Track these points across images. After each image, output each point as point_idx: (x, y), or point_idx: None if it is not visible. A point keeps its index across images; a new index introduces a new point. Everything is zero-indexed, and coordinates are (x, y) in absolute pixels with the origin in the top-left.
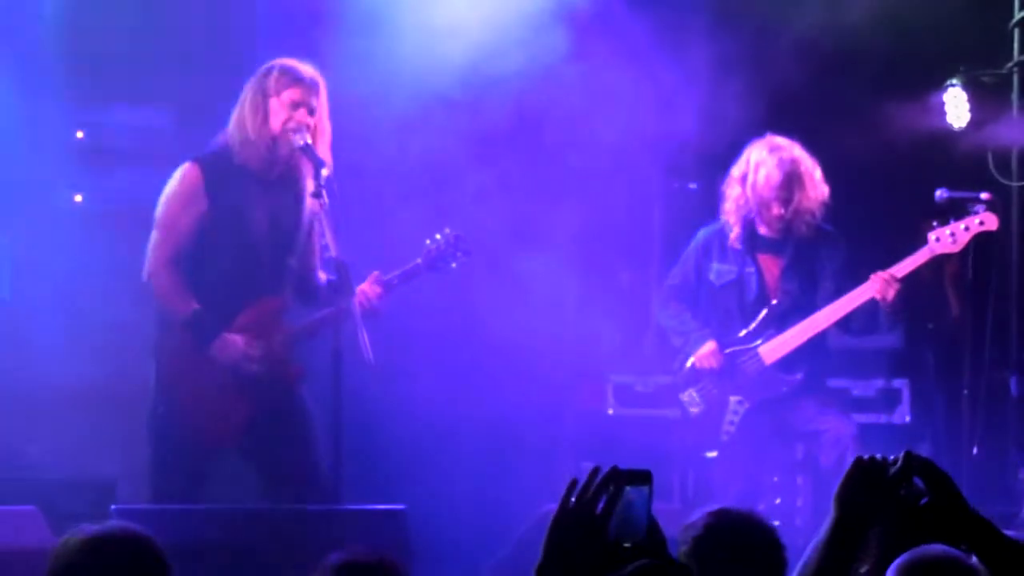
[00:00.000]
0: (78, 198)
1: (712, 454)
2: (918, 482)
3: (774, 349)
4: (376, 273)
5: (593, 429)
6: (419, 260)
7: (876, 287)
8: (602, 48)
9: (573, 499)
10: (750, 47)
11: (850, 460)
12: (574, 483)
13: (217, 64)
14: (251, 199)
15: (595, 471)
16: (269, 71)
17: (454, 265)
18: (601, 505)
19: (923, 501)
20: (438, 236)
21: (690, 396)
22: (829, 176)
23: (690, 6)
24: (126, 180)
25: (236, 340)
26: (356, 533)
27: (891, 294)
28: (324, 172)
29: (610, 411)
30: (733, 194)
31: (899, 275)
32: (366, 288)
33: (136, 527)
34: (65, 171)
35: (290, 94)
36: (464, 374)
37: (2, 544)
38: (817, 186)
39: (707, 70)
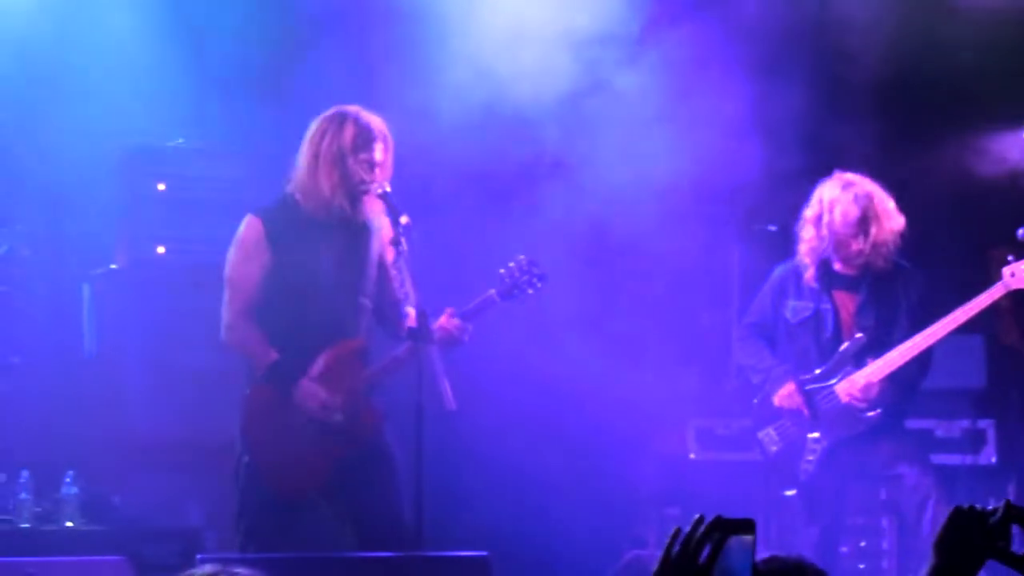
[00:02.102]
0: (161, 250)
1: (791, 492)
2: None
3: (851, 386)
4: (450, 309)
5: (674, 474)
6: (493, 291)
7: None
8: (679, 86)
9: (676, 547)
10: (822, 82)
11: (932, 506)
12: (678, 531)
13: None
14: (315, 244)
15: (699, 520)
16: (343, 125)
17: (530, 292)
18: (705, 554)
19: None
20: (511, 264)
21: (768, 435)
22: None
23: (769, 46)
24: (207, 231)
25: (315, 389)
26: None
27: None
28: (403, 220)
29: (692, 455)
30: (807, 235)
31: (973, 312)
32: (444, 323)
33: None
34: (147, 223)
35: (367, 155)
36: (544, 420)
37: None
38: (892, 217)
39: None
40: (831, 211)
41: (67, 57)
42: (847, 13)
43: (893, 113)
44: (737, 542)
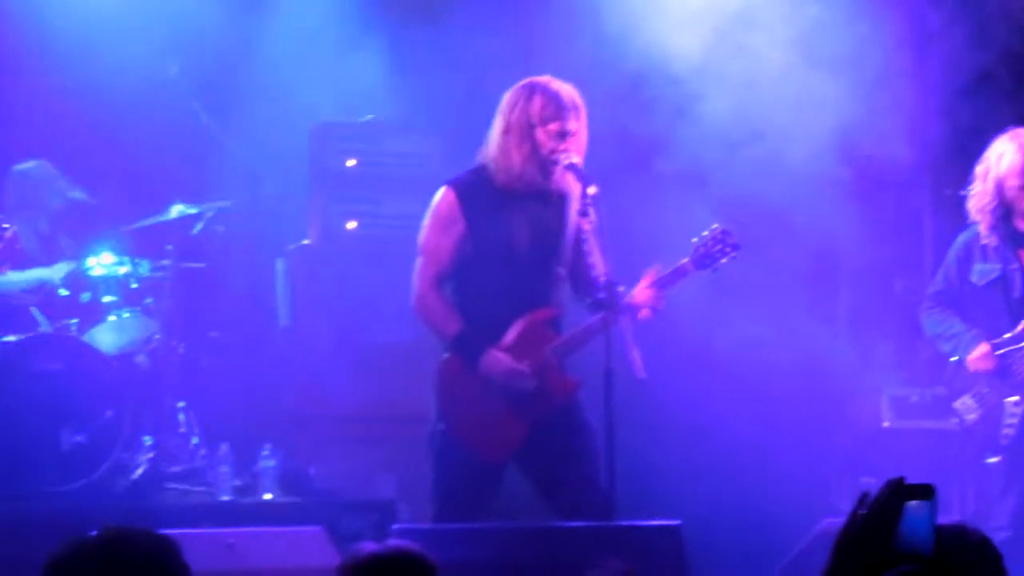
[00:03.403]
0: (351, 225)
1: (994, 460)
2: None
3: None
4: (652, 272)
5: (868, 443)
6: (687, 260)
7: None
8: (871, 53)
9: (862, 510)
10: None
11: None
12: (865, 495)
13: (478, 88)
14: (510, 215)
15: (887, 484)
16: (532, 95)
17: (724, 261)
18: (886, 518)
19: None
20: (705, 233)
21: (964, 403)
22: None
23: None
24: (397, 206)
25: (502, 357)
26: (632, 549)
27: None
28: (591, 191)
29: (885, 424)
30: (975, 191)
31: None
32: (641, 292)
33: (414, 546)
34: (338, 199)
35: (557, 125)
36: (736, 389)
37: (289, 563)
38: None
39: (975, 76)
40: (998, 163)
41: (259, 40)
42: None
43: None
44: (918, 507)
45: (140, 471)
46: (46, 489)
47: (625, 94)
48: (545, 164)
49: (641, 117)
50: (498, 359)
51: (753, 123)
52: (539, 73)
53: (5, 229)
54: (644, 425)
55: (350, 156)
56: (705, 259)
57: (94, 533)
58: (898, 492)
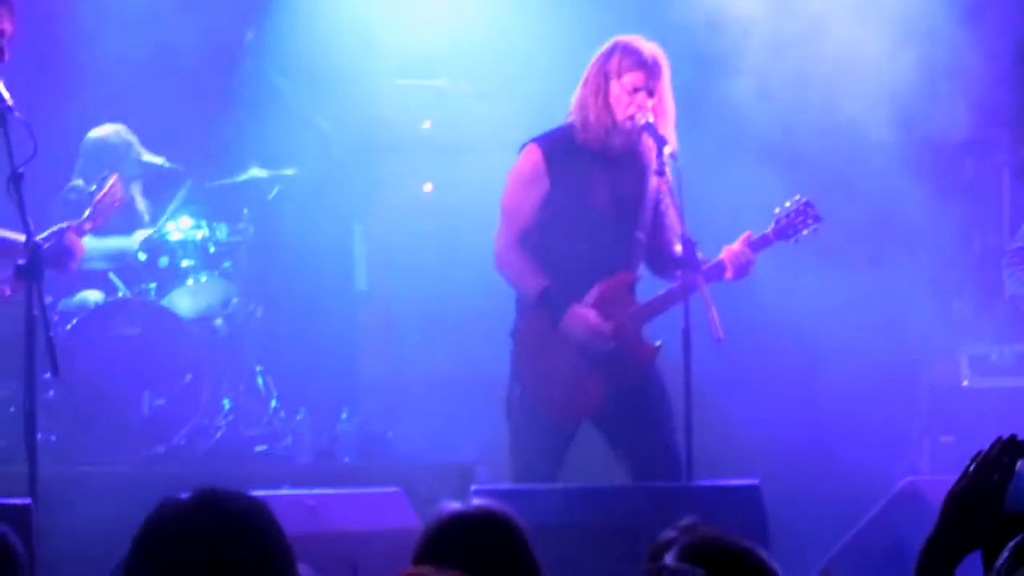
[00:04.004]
0: (428, 187)
1: None
2: None
3: None
4: (748, 233)
5: (948, 402)
6: (769, 230)
7: None
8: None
9: (972, 468)
10: None
11: None
12: (978, 454)
13: (556, 49)
14: (593, 177)
15: (997, 441)
16: (612, 51)
17: (805, 233)
18: (998, 477)
19: None
20: (787, 203)
21: None
22: None
23: None
24: (473, 169)
25: (586, 314)
26: (711, 509)
27: None
28: (667, 150)
29: (965, 383)
30: None
31: None
32: (735, 249)
33: (497, 505)
34: (415, 162)
35: (632, 78)
36: (814, 349)
37: (369, 525)
38: None
39: None
40: None
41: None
42: None
43: None
44: None
45: (219, 435)
46: (127, 453)
47: (689, 55)
48: (618, 119)
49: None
50: (582, 316)
51: (823, 85)
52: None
53: (106, 177)
54: (722, 386)
55: (426, 119)
56: (787, 230)
57: (187, 495)
58: (1011, 449)
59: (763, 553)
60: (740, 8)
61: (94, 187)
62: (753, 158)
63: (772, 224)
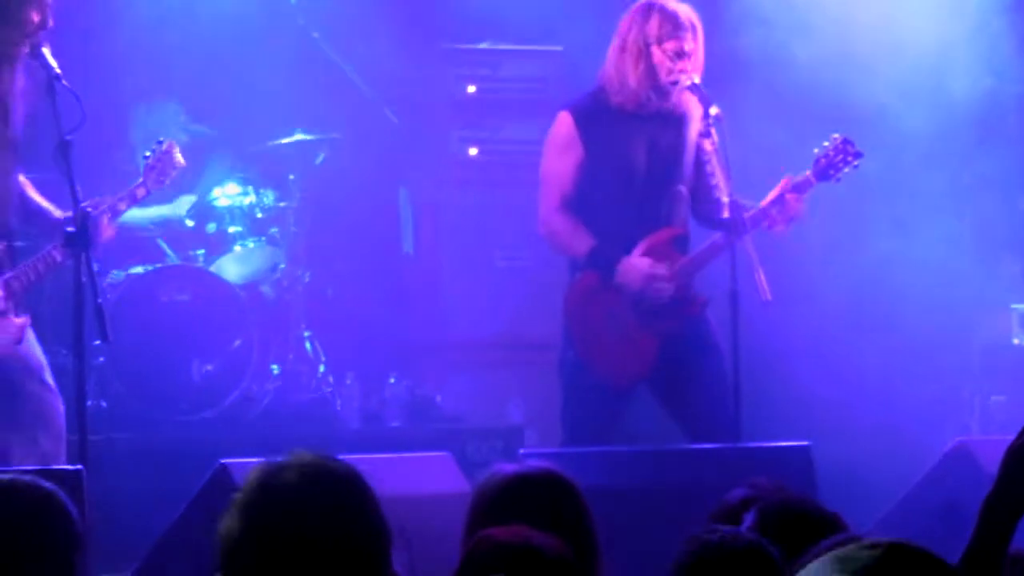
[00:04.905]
0: (473, 151)
1: None
2: None
3: None
4: (787, 178)
5: (998, 360)
6: (809, 172)
7: None
8: None
9: None
10: None
11: None
12: None
13: (598, 5)
14: (629, 136)
15: None
16: (648, 14)
17: (846, 170)
18: None
19: None
20: (826, 143)
21: None
22: None
23: None
24: (518, 131)
25: (640, 262)
26: (761, 471)
27: None
28: (713, 111)
29: (1015, 341)
30: None
31: None
32: (775, 194)
33: (552, 466)
34: (459, 125)
35: (673, 44)
36: (862, 309)
37: (419, 489)
38: None
39: None
40: None
41: None
42: None
43: None
44: None
45: (268, 400)
46: (177, 418)
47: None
48: (662, 84)
49: (748, 38)
50: (636, 265)
51: (867, 41)
52: None
53: (161, 143)
54: (770, 347)
55: (470, 82)
56: (828, 169)
57: (283, 458)
58: None
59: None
60: None
61: (149, 153)
62: (798, 114)
63: (812, 165)
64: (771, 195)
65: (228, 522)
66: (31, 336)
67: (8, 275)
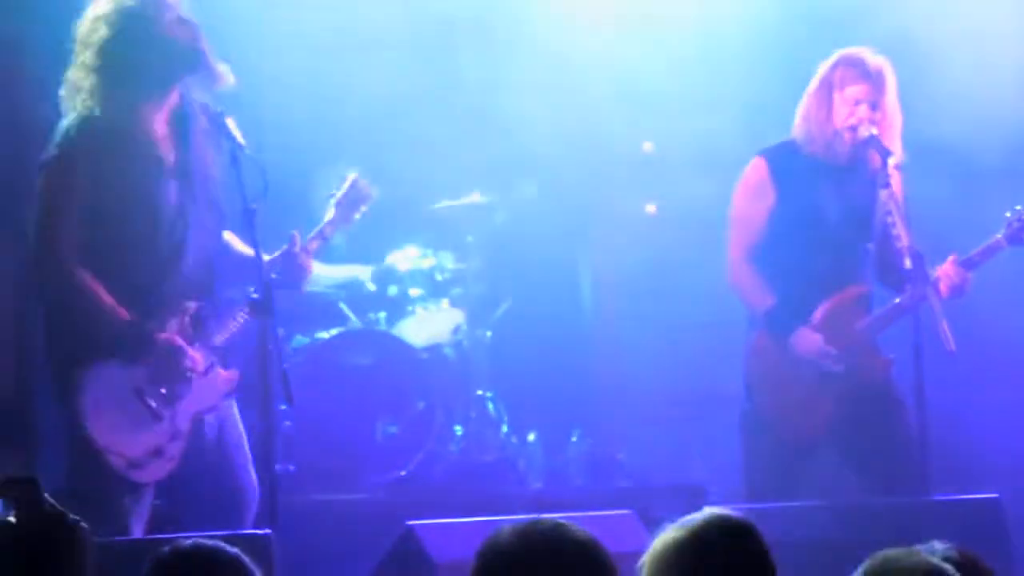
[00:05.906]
0: (651, 208)
1: None
2: None
3: None
4: (953, 256)
5: None
6: (1000, 235)
7: None
8: None
9: None
10: None
11: None
12: None
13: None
14: (820, 188)
15: None
16: (836, 63)
17: None
18: None
19: None
20: (1019, 207)
21: None
22: None
23: None
24: (696, 187)
25: (812, 338)
26: (949, 525)
27: None
28: (891, 161)
29: None
30: None
31: None
32: (948, 270)
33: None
34: (636, 183)
35: (855, 91)
36: None
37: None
38: None
39: None
40: None
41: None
42: None
43: None
44: None
45: (452, 461)
46: (363, 482)
47: None
48: (838, 129)
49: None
50: (808, 338)
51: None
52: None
53: (345, 178)
54: (957, 400)
55: (645, 138)
56: (1020, 233)
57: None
58: None
59: None
60: None
61: (336, 191)
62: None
63: (1003, 228)
64: (942, 270)
65: None
66: (234, 405)
67: (212, 329)
